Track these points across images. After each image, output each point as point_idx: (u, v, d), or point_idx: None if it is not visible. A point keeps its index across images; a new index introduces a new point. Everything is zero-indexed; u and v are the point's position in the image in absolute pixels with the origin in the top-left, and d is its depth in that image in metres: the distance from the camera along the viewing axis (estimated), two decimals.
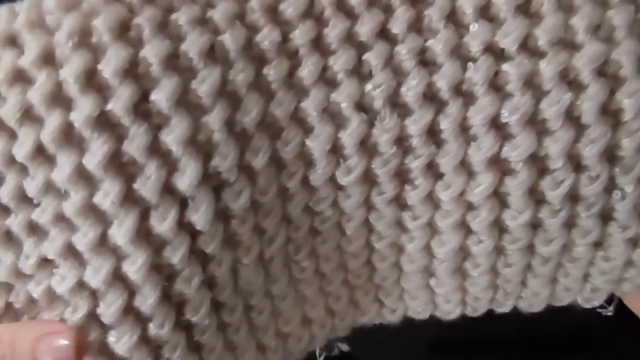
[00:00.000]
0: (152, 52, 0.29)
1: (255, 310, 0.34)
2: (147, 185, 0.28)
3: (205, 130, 0.29)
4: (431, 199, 0.32)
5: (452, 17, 0.30)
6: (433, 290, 0.36)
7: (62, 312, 0.29)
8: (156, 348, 0.30)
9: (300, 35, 0.30)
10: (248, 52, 0.30)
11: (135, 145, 0.28)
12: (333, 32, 0.30)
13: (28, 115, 0.28)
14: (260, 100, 0.30)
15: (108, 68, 0.28)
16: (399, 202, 0.33)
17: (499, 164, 0.31)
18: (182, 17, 0.29)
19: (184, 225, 0.29)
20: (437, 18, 0.30)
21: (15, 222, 0.29)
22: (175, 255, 0.29)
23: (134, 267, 0.28)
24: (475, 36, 0.30)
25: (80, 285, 0.29)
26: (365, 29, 0.30)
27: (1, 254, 0.29)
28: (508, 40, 0.30)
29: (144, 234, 0.29)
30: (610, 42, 0.29)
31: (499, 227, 0.32)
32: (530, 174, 0.31)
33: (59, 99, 0.28)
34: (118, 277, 0.29)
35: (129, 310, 0.29)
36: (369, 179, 0.32)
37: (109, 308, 0.29)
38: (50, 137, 0.28)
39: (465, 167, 0.32)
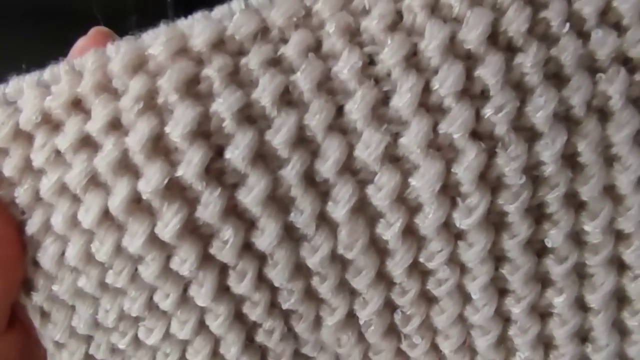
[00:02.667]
0: (224, 107, 0.25)
1: None
2: (224, 250, 0.26)
3: (283, 183, 0.26)
4: (576, 235, 0.27)
5: (574, 21, 0.26)
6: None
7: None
8: None
9: (390, 53, 0.25)
10: (325, 89, 0.26)
11: (209, 211, 0.25)
12: (432, 44, 0.25)
13: (94, 182, 0.26)
14: (341, 145, 0.26)
15: (176, 131, 0.25)
16: (535, 246, 0.27)
17: None
18: (252, 61, 0.26)
19: (263, 281, 0.27)
20: (558, 22, 0.25)
21: (87, 284, 0.27)
22: (255, 312, 0.27)
23: (217, 321, 0.27)
24: (602, 43, 0.26)
25: (167, 335, 0.27)
26: (473, 33, 0.25)
27: (78, 309, 0.27)
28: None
29: (224, 290, 0.27)
30: None
31: None
32: None
33: (126, 167, 0.26)
34: (203, 327, 0.27)
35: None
36: (495, 220, 0.27)
37: (196, 356, 0.28)
38: (118, 207, 0.25)
39: (613, 192, 0.27)
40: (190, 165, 0.25)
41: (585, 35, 0.26)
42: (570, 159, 0.26)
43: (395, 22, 0.26)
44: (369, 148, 0.25)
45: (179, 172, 0.25)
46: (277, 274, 0.26)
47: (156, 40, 0.26)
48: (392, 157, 0.26)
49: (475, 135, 0.26)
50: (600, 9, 0.26)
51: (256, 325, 0.28)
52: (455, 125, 0.25)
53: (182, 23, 0.27)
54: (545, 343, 0.28)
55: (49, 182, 0.26)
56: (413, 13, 0.26)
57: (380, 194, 0.26)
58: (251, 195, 0.25)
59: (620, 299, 0.28)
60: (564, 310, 0.27)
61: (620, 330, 0.28)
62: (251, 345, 0.28)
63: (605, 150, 0.26)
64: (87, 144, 0.26)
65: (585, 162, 0.26)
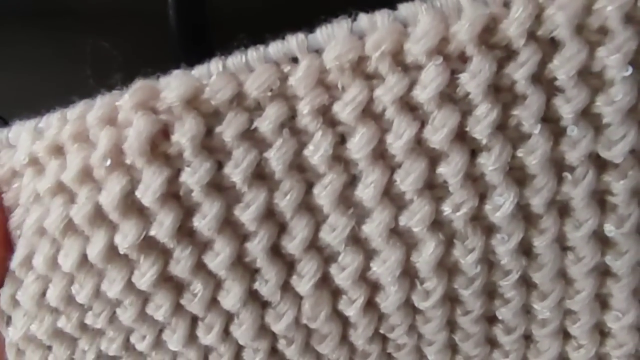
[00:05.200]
0: (193, 180, 0.26)
1: None
2: (193, 302, 0.28)
3: (249, 254, 0.27)
4: (525, 310, 0.29)
5: (549, 116, 0.25)
6: None
7: None
8: None
9: (358, 145, 0.26)
10: (296, 168, 0.27)
11: (180, 267, 0.27)
12: (397, 143, 0.26)
13: (72, 228, 0.27)
14: (308, 225, 0.27)
15: (146, 197, 0.26)
16: (486, 317, 0.29)
17: (598, 270, 0.28)
18: (227, 132, 0.26)
19: (230, 335, 0.29)
20: (530, 124, 0.25)
21: (67, 325, 0.29)
22: None
23: None
24: (575, 143, 0.25)
25: None
26: (437, 136, 0.25)
27: (55, 349, 0.29)
28: (613, 152, 0.25)
29: (194, 337, 0.29)
30: None
31: (599, 331, 0.29)
32: (635, 276, 0.28)
33: (102, 219, 0.27)
34: None
35: None
36: (450, 297, 0.28)
37: None
38: (97, 256, 0.27)
39: (561, 276, 0.28)
40: (162, 227, 0.27)
41: (559, 132, 0.26)
42: (525, 248, 0.27)
43: (367, 109, 0.26)
44: (334, 231, 0.27)
45: (152, 232, 0.27)
46: (242, 333, 0.28)
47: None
48: (356, 239, 0.27)
49: (435, 223, 0.27)
50: (580, 110, 0.25)
51: None
52: (414, 220, 0.26)
53: (161, 80, 0.27)
54: None
55: (30, 222, 0.28)
56: (383, 104, 0.26)
57: (343, 274, 0.27)
58: (217, 261, 0.27)
59: None
60: None
61: None
62: None
63: (561, 240, 0.27)
64: (64, 189, 0.27)
65: (540, 253, 0.27)
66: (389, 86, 0.25)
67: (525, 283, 0.28)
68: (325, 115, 0.26)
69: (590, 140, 0.25)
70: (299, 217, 0.27)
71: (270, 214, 0.27)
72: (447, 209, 0.26)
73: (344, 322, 0.29)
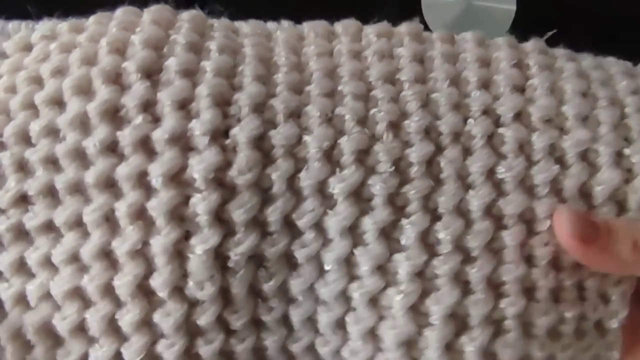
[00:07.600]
0: (157, 171, 0.30)
1: None
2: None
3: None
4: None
5: (456, 81, 0.34)
6: None
7: None
8: None
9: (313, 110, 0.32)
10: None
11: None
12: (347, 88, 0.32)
13: (49, 191, 0.31)
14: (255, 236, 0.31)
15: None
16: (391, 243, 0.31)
17: (494, 216, 0.32)
18: (157, 134, 0.30)
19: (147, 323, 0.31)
20: (442, 78, 0.33)
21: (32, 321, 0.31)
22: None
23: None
24: (476, 99, 0.33)
25: None
26: (375, 70, 0.33)
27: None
28: (505, 108, 0.33)
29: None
30: (595, 133, 0.33)
31: (494, 284, 0.31)
32: (521, 229, 0.32)
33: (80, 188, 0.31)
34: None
35: None
36: (362, 197, 0.32)
37: None
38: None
39: (463, 212, 0.32)
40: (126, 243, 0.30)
41: (467, 93, 0.34)
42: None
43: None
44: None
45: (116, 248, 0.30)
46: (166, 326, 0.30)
47: None
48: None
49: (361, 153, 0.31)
50: (482, 79, 0.34)
51: None
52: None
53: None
54: (374, 341, 0.31)
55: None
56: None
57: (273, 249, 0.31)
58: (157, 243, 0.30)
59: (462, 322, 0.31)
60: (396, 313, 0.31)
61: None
62: None
63: (464, 177, 0.32)
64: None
65: (444, 179, 0.32)
66: None
67: (431, 208, 0.32)
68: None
69: (489, 98, 0.33)
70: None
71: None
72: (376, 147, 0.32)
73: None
